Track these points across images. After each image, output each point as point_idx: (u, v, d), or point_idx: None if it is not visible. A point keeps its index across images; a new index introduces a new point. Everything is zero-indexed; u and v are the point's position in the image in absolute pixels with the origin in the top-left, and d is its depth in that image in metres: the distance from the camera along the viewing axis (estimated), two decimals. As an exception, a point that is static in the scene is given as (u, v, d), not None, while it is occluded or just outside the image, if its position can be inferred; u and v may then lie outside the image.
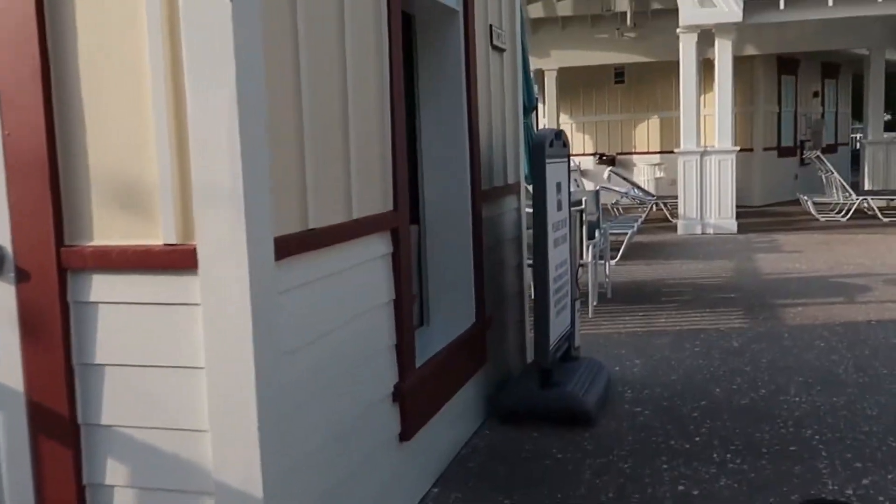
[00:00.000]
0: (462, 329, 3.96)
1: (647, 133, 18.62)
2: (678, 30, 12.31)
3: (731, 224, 12.35)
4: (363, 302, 2.90)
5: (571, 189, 11.21)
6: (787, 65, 17.68)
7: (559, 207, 4.41)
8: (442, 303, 4.09)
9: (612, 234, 10.10)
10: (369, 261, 2.95)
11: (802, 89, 18.51)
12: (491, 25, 4.43)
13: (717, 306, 7.05)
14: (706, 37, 12.36)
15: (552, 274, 4.25)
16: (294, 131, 2.43)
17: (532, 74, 9.48)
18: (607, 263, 7.90)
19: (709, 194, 12.42)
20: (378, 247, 3.02)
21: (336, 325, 2.69)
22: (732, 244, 11.16)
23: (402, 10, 3.27)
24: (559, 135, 4.47)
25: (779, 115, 17.66)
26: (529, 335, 4.98)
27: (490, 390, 4.40)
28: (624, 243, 9.72)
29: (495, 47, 4.50)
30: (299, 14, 2.45)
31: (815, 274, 8.55)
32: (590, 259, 6.77)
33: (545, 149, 4.11)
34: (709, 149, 12.54)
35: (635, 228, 9.94)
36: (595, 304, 7.14)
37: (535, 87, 12.73)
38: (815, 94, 19.11)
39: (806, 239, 11.43)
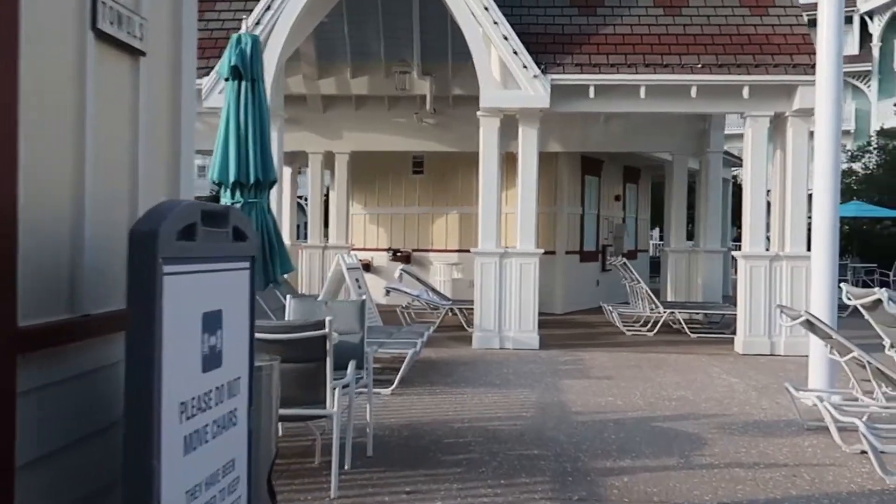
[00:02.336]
0: None
1: (445, 229, 17.04)
2: (479, 113, 10.76)
3: (533, 338, 10.68)
4: None
5: (356, 295, 9.03)
6: (591, 165, 16.81)
7: (211, 362, 2.22)
8: None
9: (390, 352, 8.03)
10: None
11: (606, 192, 17.73)
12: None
13: (516, 474, 5.04)
14: (510, 128, 10.89)
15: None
16: None
17: (272, 142, 7.31)
18: (369, 404, 5.76)
19: (509, 302, 10.72)
20: None
21: None
22: (534, 364, 9.41)
23: None
24: (214, 215, 2.28)
25: (582, 216, 16.66)
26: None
27: None
28: (403, 365, 7.65)
29: (107, 37, 2.33)
30: None
31: (635, 414, 6.83)
32: (335, 409, 4.57)
33: (159, 244, 1.90)
34: (509, 250, 10.91)
35: (418, 347, 7.92)
36: (346, 468, 4.94)
37: (275, 159, 10.64)
38: (618, 198, 18.42)
39: (615, 359, 9.90)
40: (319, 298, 10.70)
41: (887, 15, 37.37)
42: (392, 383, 7.60)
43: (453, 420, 6.47)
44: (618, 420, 6.58)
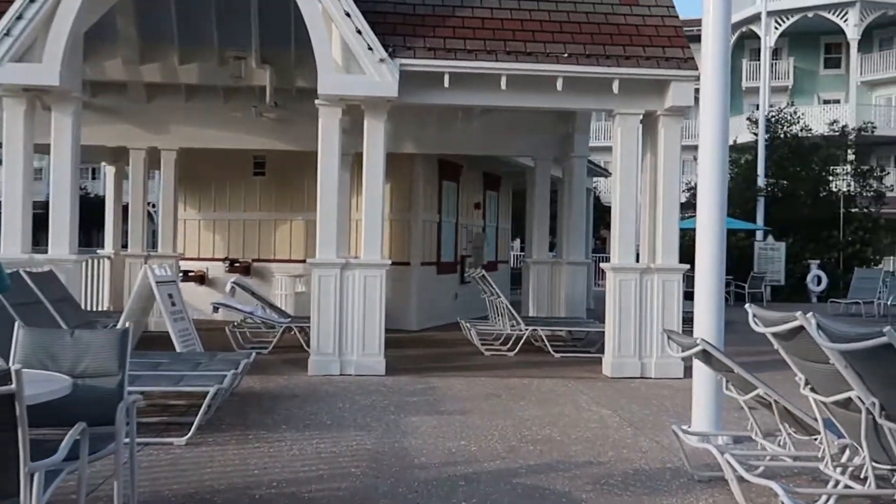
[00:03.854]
0: None
1: (289, 237, 15.39)
2: (317, 101, 9.27)
3: (379, 363, 9.25)
4: None
5: (167, 314, 7.22)
6: (449, 169, 15.60)
7: None
8: None
9: (191, 389, 6.40)
10: None
11: (465, 199, 16.57)
12: None
13: (326, 576, 3.59)
14: (359, 124, 9.45)
15: None
16: None
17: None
18: (133, 471, 4.16)
19: (351, 321, 9.26)
20: None
21: None
22: (378, 395, 7.98)
23: None
24: None
25: (439, 225, 15.42)
26: None
27: None
28: (202, 408, 6.04)
29: None
30: None
31: (493, 465, 5.50)
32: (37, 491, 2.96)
33: None
34: (352, 261, 9.45)
35: (226, 382, 6.31)
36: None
37: (69, 152, 8.73)
38: (477, 206, 17.32)
39: (472, 386, 8.61)
40: (121, 320, 8.90)
41: (736, 35, 38.49)
42: (191, 428, 5.98)
43: (257, 484, 4.93)
44: (471, 475, 5.23)
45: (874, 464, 3.94)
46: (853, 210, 25.97)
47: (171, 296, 9.03)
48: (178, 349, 8.56)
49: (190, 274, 15.55)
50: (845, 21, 36.54)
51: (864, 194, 26.58)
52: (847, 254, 25.32)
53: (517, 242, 32.60)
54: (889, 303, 16.56)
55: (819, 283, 24.25)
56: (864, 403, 3.77)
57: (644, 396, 8.24)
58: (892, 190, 28.05)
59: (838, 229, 25.44)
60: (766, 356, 10.92)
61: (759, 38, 34.90)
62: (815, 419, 4.58)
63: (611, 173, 26.31)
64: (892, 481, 4.23)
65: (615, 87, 9.18)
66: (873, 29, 38.41)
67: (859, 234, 25.43)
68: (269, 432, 6.28)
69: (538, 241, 14.29)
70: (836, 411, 4.16)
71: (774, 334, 4.10)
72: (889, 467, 4.01)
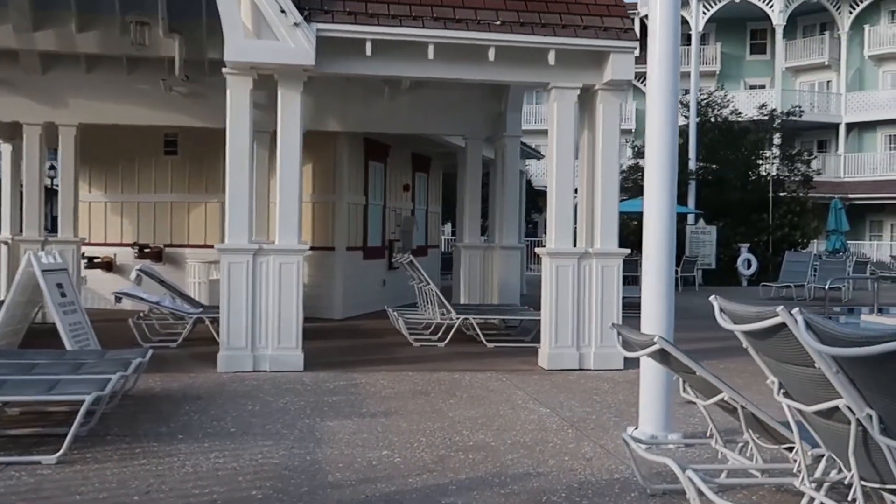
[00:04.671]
0: None
1: (204, 221, 14.39)
2: (225, 70, 8.37)
3: (296, 357, 8.45)
4: None
5: (54, 308, 6.14)
6: (376, 149, 14.80)
7: None
8: None
9: (56, 398, 5.52)
10: None
11: (393, 180, 15.78)
12: None
13: None
14: (276, 102, 8.58)
15: None
16: None
17: None
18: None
19: (265, 312, 8.43)
20: None
21: None
22: (293, 395, 7.19)
23: None
24: None
25: (366, 208, 14.61)
26: None
27: None
28: (77, 420, 5.18)
29: None
30: None
31: (418, 480, 4.79)
32: None
33: None
34: (266, 246, 8.61)
35: (109, 387, 5.45)
36: None
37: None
38: (406, 188, 16.56)
39: (398, 382, 7.89)
40: (0, 314, 7.88)
41: (666, 17, 38.41)
42: (63, 444, 5.10)
43: (135, 516, 4.12)
44: (393, 495, 4.51)
45: (862, 483, 3.36)
46: (782, 194, 26.06)
47: (60, 285, 8.03)
48: (67, 346, 7.60)
49: (96, 260, 14.44)
50: (771, 7, 36.80)
51: (793, 178, 26.70)
52: (776, 237, 25.39)
53: (448, 226, 31.93)
54: (828, 287, 16.40)
55: (749, 266, 24.26)
56: (854, 414, 3.18)
57: (584, 391, 7.64)
58: (819, 174, 28.26)
59: (768, 213, 25.49)
60: (709, 343, 10.45)
61: (687, 22, 34.94)
62: (785, 424, 4.00)
63: (543, 155, 25.87)
64: (875, 499, 3.66)
65: (551, 58, 8.51)
66: (797, 16, 38.88)
67: (788, 217, 25.53)
68: (161, 444, 5.44)
69: (470, 225, 13.62)
70: (816, 421, 3.57)
71: (747, 333, 3.48)
72: (877, 485, 3.44)
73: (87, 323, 8.32)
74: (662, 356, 4.10)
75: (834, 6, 38.79)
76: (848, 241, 27.06)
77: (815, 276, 19.63)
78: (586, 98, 9.12)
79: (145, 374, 7.16)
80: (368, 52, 8.24)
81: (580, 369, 8.77)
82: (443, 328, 10.73)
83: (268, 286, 8.41)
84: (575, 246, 9.09)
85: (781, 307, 3.14)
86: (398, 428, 6.03)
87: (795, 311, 3.02)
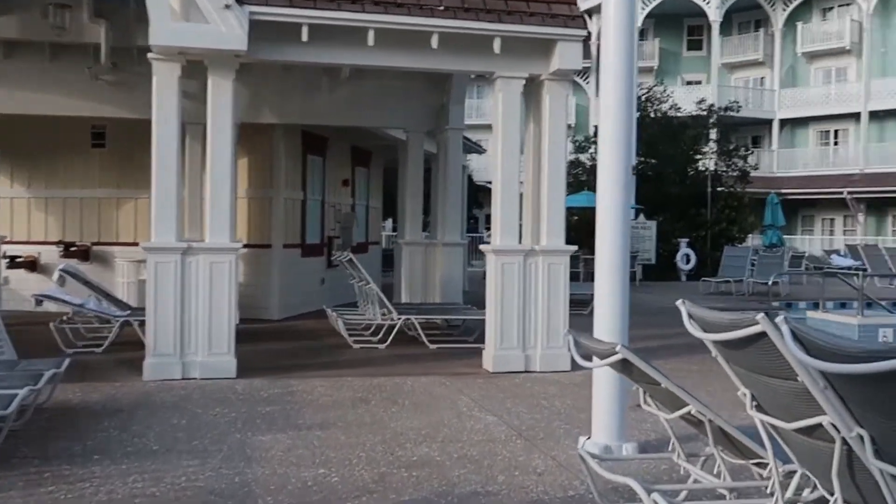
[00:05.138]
0: None
1: (134, 217, 13.69)
2: (150, 55, 7.82)
3: (228, 364, 7.94)
4: None
5: None
6: (314, 142, 14.27)
7: None
8: None
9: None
10: None
11: (332, 175, 15.27)
12: None
13: None
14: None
15: None
16: None
17: None
18: None
19: (194, 315, 7.90)
20: None
21: None
22: (224, 405, 6.71)
23: None
24: None
25: (304, 203, 14.09)
26: None
27: None
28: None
29: None
30: None
31: (356, 503, 4.39)
32: None
33: None
34: (195, 244, 8.07)
35: (12, 408, 4.90)
36: None
37: None
38: (346, 183, 16.06)
39: (337, 389, 7.46)
40: None
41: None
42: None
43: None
44: (331, 520, 4.10)
45: (845, 507, 3.08)
46: (719, 189, 26.27)
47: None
48: (-24, 355, 6.99)
49: (18, 260, 13.62)
50: (707, 4, 37.20)
51: (730, 173, 26.94)
52: (714, 232, 25.58)
53: (388, 222, 31.49)
54: (770, 283, 16.44)
55: (688, 261, 24.37)
56: (839, 433, 2.88)
57: (531, 396, 7.33)
58: (756, 168, 28.57)
59: (706, 208, 25.67)
60: (656, 341, 10.28)
61: (628, 16, 34.99)
62: (753, 437, 3.71)
63: (484, 150, 25.62)
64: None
65: (496, 45, 8.16)
66: (733, 12, 39.40)
67: (726, 212, 25.75)
68: (73, 467, 4.93)
69: (411, 221, 13.23)
70: (792, 437, 3.27)
71: (719, 342, 3.17)
72: (859, 508, 3.16)
73: (1, 328, 7.69)
74: (625, 366, 3.77)
75: (769, 3, 39.43)
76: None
77: (752, 270, 19.74)
78: (532, 88, 8.80)
79: (64, 385, 6.62)
80: (305, 37, 7.77)
81: (526, 371, 8.45)
82: (384, 329, 10.32)
83: (198, 287, 7.89)
84: (521, 243, 8.77)
85: (762, 315, 2.82)
86: (336, 442, 5.61)
87: (780, 318, 2.70)
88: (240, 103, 8.58)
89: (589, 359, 4.16)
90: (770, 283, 16.16)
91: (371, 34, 7.86)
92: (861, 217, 36.98)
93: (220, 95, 7.97)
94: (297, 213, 13.80)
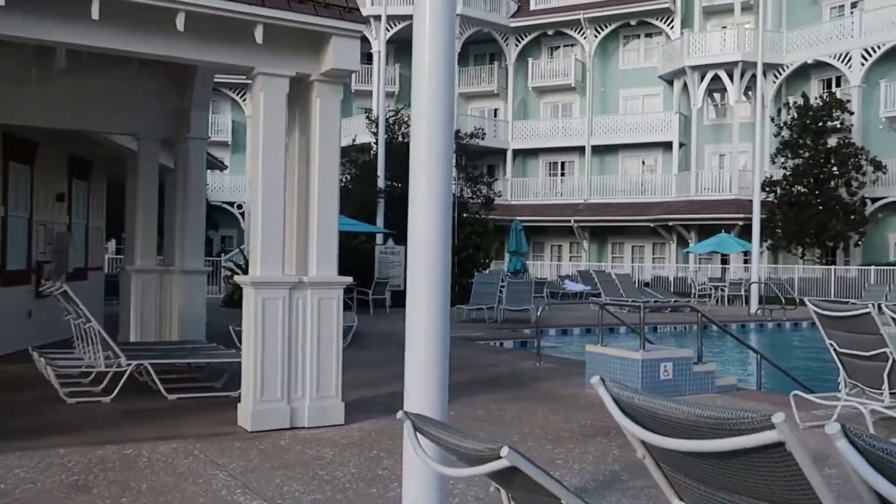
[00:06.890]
0: None
1: None
2: None
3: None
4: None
5: None
6: (20, 148, 11.79)
7: None
8: None
9: None
10: None
11: (43, 187, 12.78)
12: None
13: None
14: None
15: None
16: None
17: None
18: None
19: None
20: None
21: None
22: None
23: None
24: None
25: (5, 221, 11.56)
26: None
27: None
28: None
29: None
30: None
31: None
32: None
33: None
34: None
35: None
36: None
37: None
38: (61, 198, 13.59)
39: (44, 471, 5.55)
40: None
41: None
42: None
43: None
44: None
45: None
46: (465, 215, 26.31)
47: None
48: None
49: None
50: (447, 33, 37.77)
51: (476, 199, 27.12)
52: (462, 257, 25.49)
53: (112, 243, 28.21)
54: (540, 312, 16.18)
55: (437, 287, 23.97)
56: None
57: (304, 464, 5.92)
58: (500, 195, 29.07)
59: (454, 233, 25.52)
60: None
61: (368, 41, 34.79)
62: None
63: (226, 166, 23.57)
64: None
65: (258, 34, 6.71)
66: (470, 44, 40.54)
67: (472, 238, 25.78)
68: None
69: (143, 244, 11.25)
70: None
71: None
72: None
73: None
74: (509, 476, 2.58)
75: (502, 38, 40.99)
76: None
77: (501, 297, 19.66)
78: (298, 90, 7.44)
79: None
80: (2, 3, 5.84)
81: (293, 428, 7.01)
82: (108, 376, 8.37)
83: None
84: (284, 273, 7.35)
85: (782, 417, 1.75)
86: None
87: (835, 427, 1.64)
88: None
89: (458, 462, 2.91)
90: (540, 312, 16.01)
91: (96, 6, 6.08)
92: (586, 244, 39.30)
93: None
94: (-6, 232, 11.25)
